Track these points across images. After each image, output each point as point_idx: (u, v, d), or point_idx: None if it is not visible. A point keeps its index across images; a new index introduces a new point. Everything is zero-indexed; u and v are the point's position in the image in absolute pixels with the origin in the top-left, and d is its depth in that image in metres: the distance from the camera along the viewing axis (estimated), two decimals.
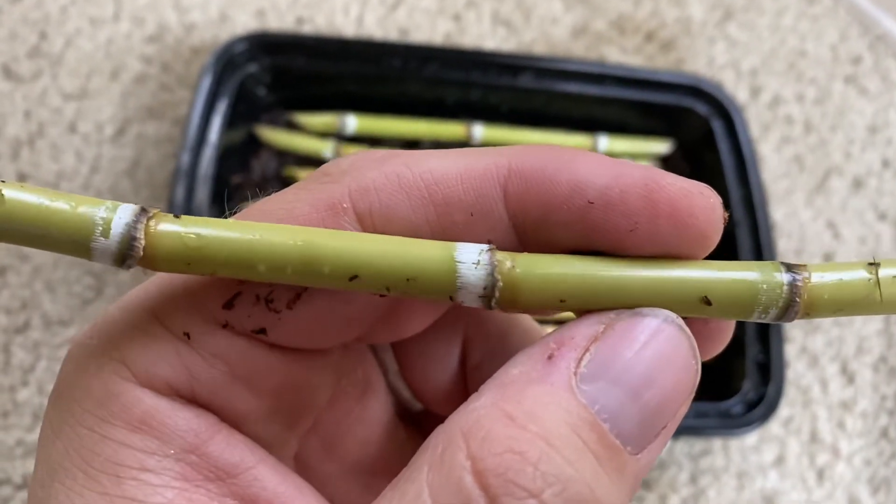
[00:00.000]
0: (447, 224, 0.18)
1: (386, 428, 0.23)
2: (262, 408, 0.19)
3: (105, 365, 0.17)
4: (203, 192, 0.46)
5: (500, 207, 0.18)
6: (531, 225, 0.18)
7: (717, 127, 0.51)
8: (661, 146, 0.53)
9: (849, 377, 0.50)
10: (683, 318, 0.17)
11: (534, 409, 0.16)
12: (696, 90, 0.52)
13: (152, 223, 0.16)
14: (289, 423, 0.20)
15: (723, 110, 0.51)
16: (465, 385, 0.23)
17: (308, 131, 0.52)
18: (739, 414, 0.44)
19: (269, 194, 0.19)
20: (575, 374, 0.16)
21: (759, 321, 0.18)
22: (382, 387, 0.24)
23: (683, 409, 0.17)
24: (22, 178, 0.50)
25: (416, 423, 0.25)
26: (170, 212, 0.44)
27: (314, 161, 0.51)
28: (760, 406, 0.44)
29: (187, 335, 0.18)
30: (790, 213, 0.55)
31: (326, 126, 0.52)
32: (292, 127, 0.52)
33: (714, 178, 0.51)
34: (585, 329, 0.17)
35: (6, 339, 0.46)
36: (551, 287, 0.17)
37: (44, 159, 0.51)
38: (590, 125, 0.53)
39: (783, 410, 0.49)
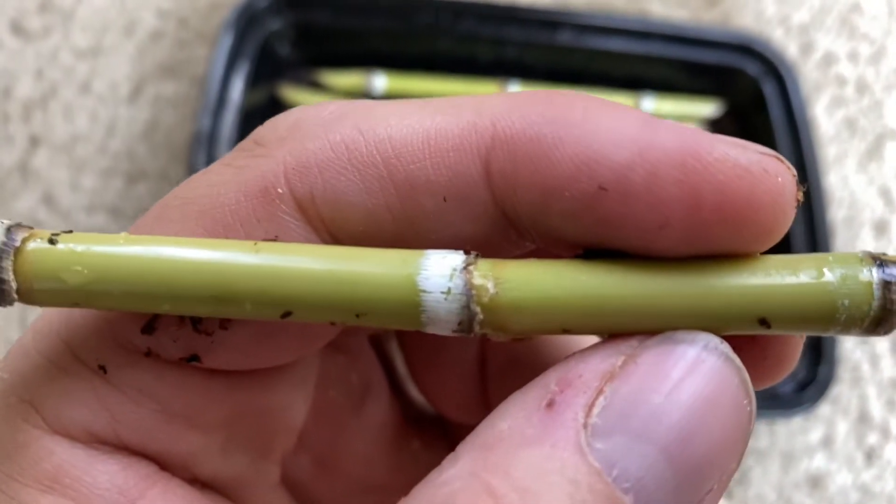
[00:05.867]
0: (414, 211, 0.14)
1: (394, 438, 0.20)
2: (212, 444, 0.15)
3: (14, 407, 0.14)
4: None
5: (482, 190, 0.14)
6: (526, 214, 0.14)
7: (769, 90, 0.48)
8: (710, 108, 0.50)
9: None
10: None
11: (527, 483, 0.12)
12: (747, 49, 0.49)
13: (27, 249, 0.13)
14: (259, 452, 0.17)
15: (775, 72, 0.48)
16: (486, 391, 0.19)
17: (334, 91, 0.49)
18: (789, 395, 0.42)
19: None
20: (584, 426, 0.12)
21: (839, 335, 0.13)
22: (386, 390, 0.20)
23: (735, 465, 0.13)
24: (35, 141, 0.47)
25: (434, 426, 0.21)
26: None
27: None
28: (811, 387, 0.42)
29: (103, 368, 0.14)
30: (841, 180, 0.52)
31: (353, 86, 0.49)
32: (317, 87, 0.49)
33: (765, 144, 0.48)
34: (598, 363, 0.13)
35: (23, 311, 0.44)
36: (549, 315, 0.13)
37: (57, 121, 0.48)
38: (632, 84, 0.50)
39: (831, 389, 0.47)
